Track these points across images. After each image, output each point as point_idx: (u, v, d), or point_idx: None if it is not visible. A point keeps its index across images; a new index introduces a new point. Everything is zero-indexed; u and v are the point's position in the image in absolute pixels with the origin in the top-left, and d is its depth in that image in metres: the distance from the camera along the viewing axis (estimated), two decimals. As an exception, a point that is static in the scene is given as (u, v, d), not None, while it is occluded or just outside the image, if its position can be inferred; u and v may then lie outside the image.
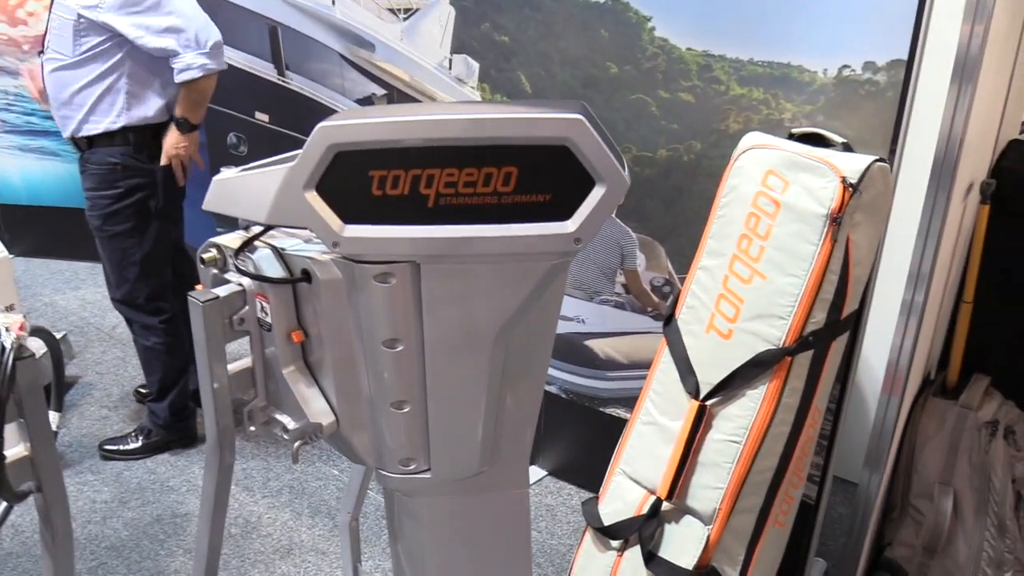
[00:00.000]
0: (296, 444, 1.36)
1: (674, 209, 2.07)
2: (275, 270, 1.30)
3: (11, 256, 4.03)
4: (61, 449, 2.63)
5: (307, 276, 1.26)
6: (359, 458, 1.37)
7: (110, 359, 3.18)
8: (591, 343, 2.31)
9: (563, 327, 2.34)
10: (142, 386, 2.80)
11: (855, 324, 1.81)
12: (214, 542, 1.58)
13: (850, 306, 1.70)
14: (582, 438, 2.47)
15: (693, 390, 1.72)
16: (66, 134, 2.38)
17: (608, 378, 2.31)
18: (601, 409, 2.34)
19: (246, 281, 1.33)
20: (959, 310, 2.13)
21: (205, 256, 1.35)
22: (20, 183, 3.94)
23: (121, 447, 2.59)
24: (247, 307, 1.35)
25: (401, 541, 1.42)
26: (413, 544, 1.41)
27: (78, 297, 3.67)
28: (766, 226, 1.68)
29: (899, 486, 2.12)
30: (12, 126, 3.85)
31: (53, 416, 1.39)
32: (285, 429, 1.37)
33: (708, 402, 1.70)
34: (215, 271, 1.36)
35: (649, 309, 2.17)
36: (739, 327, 1.69)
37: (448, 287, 1.19)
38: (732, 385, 1.68)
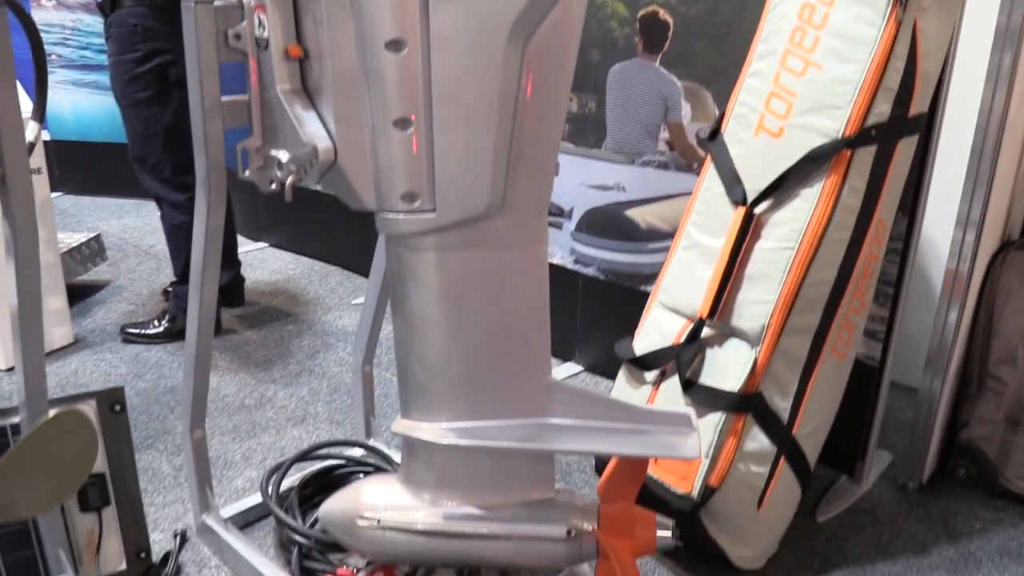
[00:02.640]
0: (290, 179, 1.24)
1: (723, 48, 1.91)
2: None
3: (60, 192, 4.09)
4: (81, 333, 2.56)
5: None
6: (358, 199, 1.23)
7: (144, 269, 3.12)
8: (632, 212, 2.14)
9: (601, 198, 2.19)
10: (171, 283, 2.72)
11: (926, 135, 1.62)
12: (205, 313, 1.47)
13: (919, 104, 1.52)
14: (621, 326, 2.28)
15: (740, 198, 1.55)
16: (95, -3, 2.35)
17: (650, 250, 2.13)
18: (643, 288, 2.16)
19: (244, -8, 1.24)
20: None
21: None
22: (72, 118, 3.97)
23: (143, 331, 2.51)
24: (244, 22, 1.25)
25: (406, 311, 1.27)
26: (419, 313, 1.26)
27: (121, 224, 3.65)
28: (822, 14, 1.51)
29: (976, 358, 1.89)
30: (67, 60, 3.90)
31: (32, 126, 1.29)
32: (280, 165, 1.25)
33: (756, 208, 1.53)
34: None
35: (695, 165, 2.00)
36: (792, 123, 1.51)
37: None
38: (784, 186, 1.50)
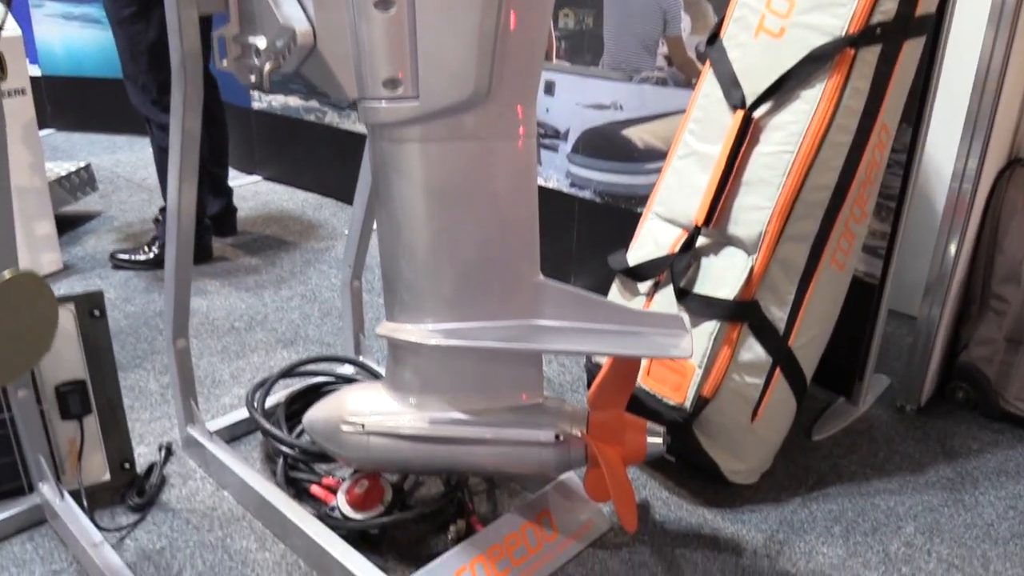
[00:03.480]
0: (267, 67, 1.19)
1: (724, -45, 1.84)
2: None
3: (52, 130, 4.03)
4: (71, 260, 2.52)
5: None
6: (339, 87, 1.18)
7: (135, 200, 3.08)
8: (629, 132, 2.09)
9: (599, 117, 2.13)
10: (161, 209, 2.68)
11: (933, 39, 1.56)
12: (184, 219, 1.43)
13: (926, 3, 1.45)
14: (618, 249, 2.25)
15: (738, 101, 1.49)
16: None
17: (647, 171, 2.08)
18: (639, 210, 2.11)
19: None
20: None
21: None
22: (62, 53, 3.89)
23: (133, 257, 2.48)
24: None
25: (390, 208, 1.22)
26: (403, 209, 1.21)
27: (113, 159, 3.60)
28: (827, -94, 1.45)
29: (978, 278, 1.85)
30: (55, -8, 3.82)
31: None
32: (258, 52, 1.20)
33: (755, 112, 1.47)
34: None
35: (694, 80, 1.94)
36: (793, 22, 1.45)
37: None
38: (784, 88, 1.45)
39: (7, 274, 0.78)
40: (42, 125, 3.93)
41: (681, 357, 1.20)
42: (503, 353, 1.27)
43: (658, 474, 1.63)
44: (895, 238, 1.73)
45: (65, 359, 1.42)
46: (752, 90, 1.48)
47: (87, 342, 1.42)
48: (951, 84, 1.70)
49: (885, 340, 1.91)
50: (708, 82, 1.59)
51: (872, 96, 1.44)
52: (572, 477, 1.50)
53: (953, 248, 1.72)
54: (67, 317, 1.40)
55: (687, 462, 1.61)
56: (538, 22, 1.16)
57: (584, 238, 2.29)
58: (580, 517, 1.47)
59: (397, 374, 1.33)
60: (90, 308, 1.41)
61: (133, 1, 2.25)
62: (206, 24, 1.51)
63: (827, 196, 1.46)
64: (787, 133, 1.44)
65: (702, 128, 1.58)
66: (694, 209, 1.53)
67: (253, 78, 1.24)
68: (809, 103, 1.43)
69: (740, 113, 1.47)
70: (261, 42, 1.19)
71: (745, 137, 1.47)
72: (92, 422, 1.48)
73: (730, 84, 1.52)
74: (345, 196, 3.05)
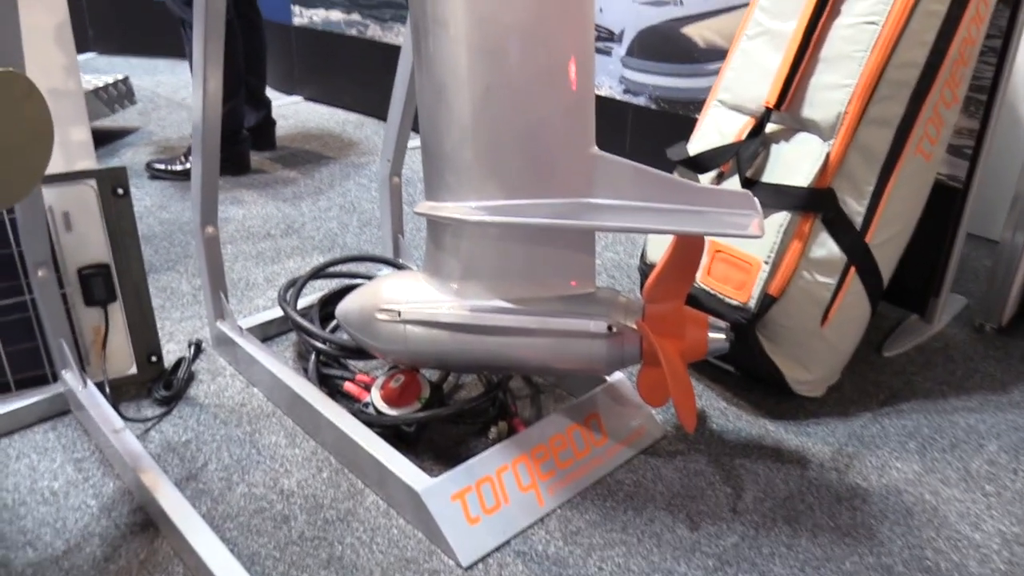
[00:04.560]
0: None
1: None
2: None
3: (94, 53, 3.98)
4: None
5: None
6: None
7: (174, 118, 3.01)
8: (689, 29, 1.94)
9: (656, 15, 1.98)
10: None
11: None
12: (210, 100, 1.33)
13: None
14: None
15: (818, -31, 1.34)
16: None
17: (708, 72, 1.94)
18: (697, 116, 1.97)
19: None
20: None
21: None
22: (103, -27, 3.83)
23: (168, 167, 2.41)
24: None
25: (431, 69, 1.11)
26: (446, 70, 1.09)
27: (154, 81, 3.53)
28: None
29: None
30: (95, -90, 3.74)
31: None
32: None
33: (837, -21, 1.32)
34: None
35: (764, -32, 1.78)
36: None
37: None
38: (871, -49, 1.29)
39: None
40: (84, 48, 3.89)
41: (751, 236, 1.07)
42: (552, 233, 1.15)
43: (715, 385, 1.52)
44: (984, 136, 1.57)
45: (88, 240, 1.35)
46: (834, -44, 1.33)
47: (110, 222, 1.35)
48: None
49: (961, 263, 1.76)
50: (783, -47, 1.43)
51: (972, -41, 1.28)
52: (623, 380, 1.40)
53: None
54: (88, 194, 1.32)
55: (748, 372, 1.49)
56: None
57: (638, 150, 2.15)
58: (631, 423, 1.36)
59: (437, 259, 1.22)
60: (113, 185, 1.33)
61: None
62: None
63: (916, 75, 1.31)
64: (873, 2, 1.29)
65: (775, 4, 1.43)
66: (764, 94, 1.39)
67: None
68: (900, -33, 1.27)
69: (820, -18, 1.32)
70: None
71: (825, 8, 1.32)
72: (117, 310, 1.40)
73: (809, -48, 1.37)
74: (387, 114, 2.94)
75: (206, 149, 1.39)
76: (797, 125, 1.37)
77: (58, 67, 2.27)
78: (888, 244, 1.39)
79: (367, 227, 2.12)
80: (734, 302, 1.36)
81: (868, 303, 1.41)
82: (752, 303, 1.35)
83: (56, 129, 2.28)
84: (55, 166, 2.12)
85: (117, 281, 1.38)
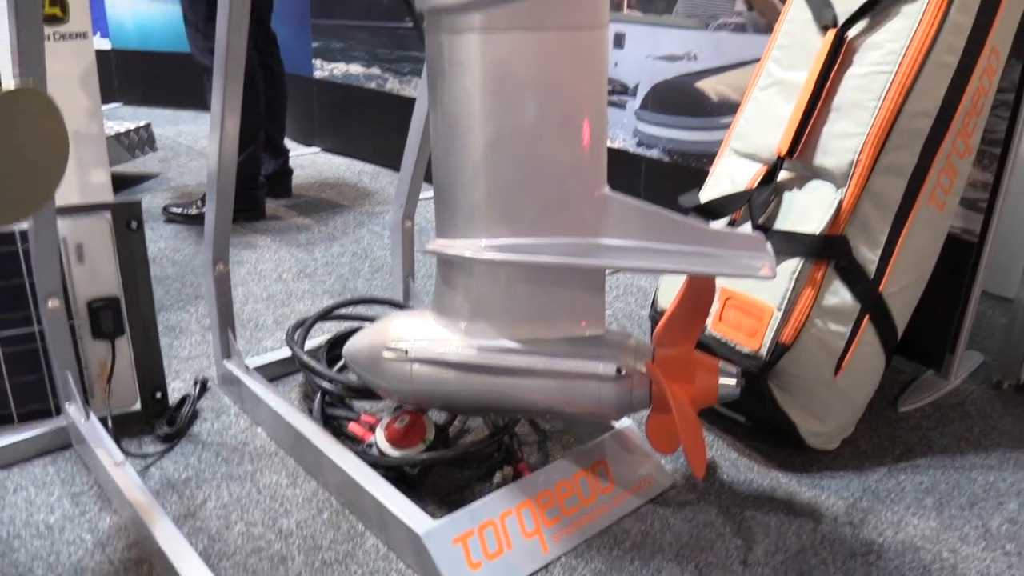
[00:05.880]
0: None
1: None
2: None
3: (119, 103, 4.06)
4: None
5: None
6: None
7: (194, 165, 3.06)
8: (703, 84, 1.96)
9: (670, 69, 2.01)
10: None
11: (1052, -44, 1.40)
12: (227, 140, 1.34)
13: (1049, -89, 1.31)
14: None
15: (830, 20, 1.36)
16: None
17: (721, 126, 1.95)
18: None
19: None
20: None
21: None
22: (132, 27, 3.93)
23: (185, 211, 2.43)
24: None
25: (445, 109, 1.12)
26: (460, 109, 1.10)
27: (176, 130, 3.60)
28: None
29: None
30: (127, -34, 3.86)
31: None
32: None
33: (849, 31, 1.34)
34: None
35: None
36: (896, -70, 1.32)
37: None
38: (882, 3, 1.31)
39: (12, 84, 0.70)
40: (110, 99, 3.97)
41: (762, 278, 1.06)
42: (562, 272, 1.15)
43: (726, 435, 1.49)
44: (998, 189, 1.56)
45: (99, 273, 1.35)
46: (845, 8, 1.35)
47: (122, 256, 1.35)
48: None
49: (976, 320, 1.73)
50: (795, 6, 1.45)
51: (983, 11, 1.29)
52: (632, 427, 1.37)
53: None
54: (102, 227, 1.33)
55: (759, 423, 1.46)
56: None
57: (650, 201, 2.15)
58: (640, 471, 1.33)
59: (446, 297, 1.22)
60: (127, 219, 1.34)
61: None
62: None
63: (928, 124, 1.31)
64: (884, 52, 1.30)
65: (787, 55, 1.44)
66: (776, 142, 1.39)
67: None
68: (910, 19, 1.28)
69: (832, 32, 1.33)
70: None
71: (837, 58, 1.33)
72: (124, 344, 1.40)
73: (820, 4, 1.39)
74: (403, 166, 2.98)
75: (221, 188, 1.40)
76: (809, 173, 1.37)
77: (82, 110, 2.33)
78: (902, 293, 1.38)
79: (378, 273, 2.12)
80: (745, 350, 1.35)
81: (883, 353, 1.39)
82: (764, 351, 1.33)
83: (76, 170, 2.32)
84: (71, 199, 2.15)
85: (126, 315, 1.38)
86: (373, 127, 3.05)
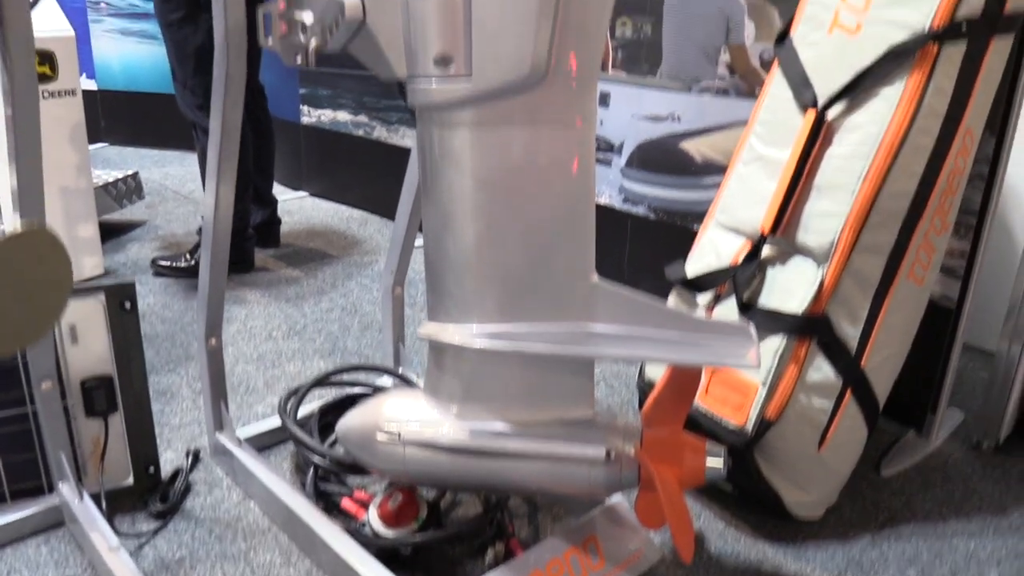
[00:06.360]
0: (313, 44, 1.13)
1: (793, -42, 1.75)
2: None
3: (105, 144, 4.07)
4: (112, 266, 2.50)
5: None
6: (388, 65, 1.11)
7: (181, 212, 3.06)
8: (687, 144, 2.00)
9: (654, 130, 2.05)
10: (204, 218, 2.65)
11: (1021, 39, 1.45)
12: (221, 212, 1.36)
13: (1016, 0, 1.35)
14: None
15: (810, 101, 1.40)
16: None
17: (705, 185, 1.99)
18: (695, 228, 2.01)
19: None
20: None
21: None
22: (119, 68, 3.94)
23: (173, 264, 2.44)
24: None
25: (437, 198, 1.14)
26: (451, 199, 1.13)
27: (163, 172, 3.61)
28: None
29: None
30: (115, 8, 3.87)
31: None
32: (304, 28, 1.14)
33: (829, 112, 1.37)
34: None
35: (757, 90, 1.85)
36: (871, 17, 1.36)
37: None
38: (860, 87, 1.35)
39: (19, 227, 0.71)
40: (96, 139, 3.98)
41: (747, 367, 1.09)
42: (552, 360, 1.17)
43: (714, 504, 1.51)
44: (975, 257, 1.61)
45: (92, 353, 1.36)
46: (824, 89, 1.38)
47: (116, 336, 1.36)
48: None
49: (958, 375, 1.77)
50: (776, 83, 1.49)
51: (956, 96, 1.33)
52: (621, 502, 1.39)
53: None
54: (96, 308, 1.34)
55: (746, 492, 1.48)
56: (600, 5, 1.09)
57: (637, 257, 2.19)
58: (629, 546, 1.35)
59: (438, 380, 1.24)
60: (121, 300, 1.35)
61: (181, 5, 2.24)
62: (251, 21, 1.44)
63: (906, 204, 1.35)
64: (864, 134, 1.34)
65: (769, 131, 1.48)
66: (759, 217, 1.43)
67: (299, 59, 1.18)
68: (888, 102, 1.32)
69: (812, 113, 1.37)
70: (308, 17, 1.13)
71: (817, 138, 1.37)
72: (118, 421, 1.41)
73: (800, 83, 1.43)
74: (391, 213, 2.99)
75: (215, 263, 1.42)
76: (792, 249, 1.41)
77: (71, 166, 2.34)
78: (883, 367, 1.41)
79: (368, 330, 2.14)
80: (731, 425, 1.37)
81: (865, 425, 1.42)
82: (749, 426, 1.36)
83: (65, 225, 2.34)
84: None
85: (119, 392, 1.39)
86: (361, 173, 3.08)
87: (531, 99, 1.07)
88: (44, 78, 2.23)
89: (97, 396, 1.37)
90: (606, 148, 2.16)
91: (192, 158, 3.71)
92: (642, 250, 2.18)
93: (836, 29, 1.40)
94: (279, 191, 2.84)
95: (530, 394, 1.20)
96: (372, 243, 2.79)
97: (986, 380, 1.73)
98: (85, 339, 1.35)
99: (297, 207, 3.14)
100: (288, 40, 1.19)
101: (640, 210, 2.13)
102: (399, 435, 1.23)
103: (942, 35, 1.30)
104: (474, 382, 1.21)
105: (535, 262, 1.13)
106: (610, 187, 2.17)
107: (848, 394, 1.37)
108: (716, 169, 1.95)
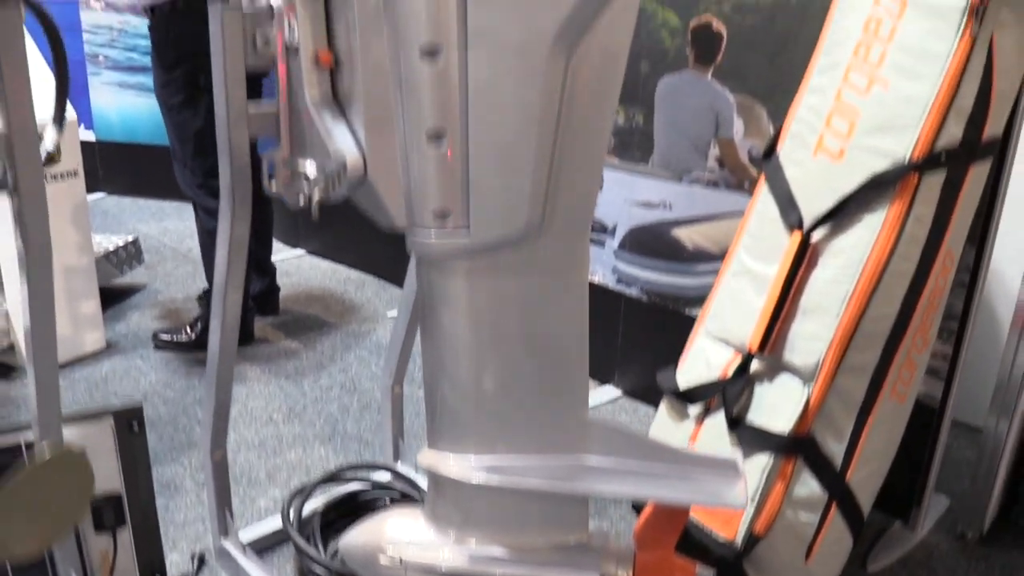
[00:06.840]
0: (317, 196, 1.18)
1: (779, 61, 1.81)
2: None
3: (104, 194, 4.11)
4: (114, 338, 2.53)
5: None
6: (388, 216, 1.16)
7: (181, 273, 3.10)
8: (679, 232, 2.05)
9: (647, 216, 2.10)
10: (204, 290, 2.69)
11: (999, 160, 1.50)
12: (227, 330, 1.41)
13: (993, 126, 1.40)
14: (664, 351, 2.18)
15: (795, 222, 1.45)
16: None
17: (696, 272, 2.04)
18: (687, 311, 2.06)
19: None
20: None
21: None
22: (117, 120, 3.98)
23: (174, 338, 2.48)
24: (274, 27, 1.19)
25: (436, 337, 1.19)
26: (449, 340, 1.18)
27: (161, 227, 3.65)
28: (889, 28, 1.41)
29: (1045, 400, 1.76)
30: (114, 62, 3.91)
31: (50, 133, 1.25)
32: (307, 178, 1.19)
33: (813, 235, 1.42)
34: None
35: (746, 184, 1.90)
36: (854, 144, 1.41)
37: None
38: (844, 212, 1.40)
39: (47, 451, 0.75)
40: (94, 189, 4.01)
41: (734, 506, 1.14)
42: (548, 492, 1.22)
43: (705, 608, 1.56)
44: (957, 360, 1.66)
45: (102, 472, 1.39)
46: (810, 211, 1.44)
47: (124, 456, 1.40)
48: (1019, 196, 1.63)
49: (946, 453, 1.82)
50: (763, 199, 1.54)
51: (937, 223, 1.38)
52: (615, 612, 1.43)
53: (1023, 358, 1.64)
54: (105, 431, 1.38)
55: (736, 597, 1.53)
56: (594, 154, 1.13)
57: (629, 337, 2.24)
58: (623, 657, 1.40)
59: (438, 505, 1.28)
60: (129, 422, 1.39)
61: (181, 89, 2.29)
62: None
63: (888, 326, 1.40)
64: (847, 259, 1.39)
65: (757, 245, 1.53)
66: (748, 330, 1.47)
67: (302, 202, 1.23)
68: (870, 230, 1.38)
69: (797, 235, 1.42)
70: (311, 169, 1.18)
71: (803, 261, 1.42)
72: (126, 534, 1.45)
73: (787, 203, 1.48)
74: (388, 274, 3.05)
75: (221, 378, 1.46)
76: (779, 366, 1.45)
77: (73, 245, 2.39)
78: (867, 480, 1.46)
79: (367, 410, 2.18)
80: (721, 538, 1.42)
81: (850, 536, 1.47)
82: (738, 540, 1.40)
83: (66, 303, 2.37)
84: (63, 331, 2.18)
85: (127, 508, 1.43)
86: (357, 232, 3.11)
87: (526, 249, 1.12)
88: (47, 161, 2.27)
89: (106, 513, 1.41)
90: (600, 229, 2.21)
91: (190, 210, 3.74)
92: (635, 329, 2.23)
93: (821, 152, 1.45)
94: (277, 247, 2.88)
95: (526, 522, 1.24)
96: (369, 308, 2.83)
97: (972, 459, 1.78)
98: (95, 459, 1.38)
99: (295, 267, 3.18)
100: (292, 186, 1.24)
101: (633, 291, 2.18)
102: (401, 560, 1.28)
103: (922, 165, 1.35)
104: (472, 510, 1.25)
105: (530, 402, 1.18)
106: (603, 267, 2.22)
107: (833, 508, 1.42)
108: (707, 257, 2.00)
